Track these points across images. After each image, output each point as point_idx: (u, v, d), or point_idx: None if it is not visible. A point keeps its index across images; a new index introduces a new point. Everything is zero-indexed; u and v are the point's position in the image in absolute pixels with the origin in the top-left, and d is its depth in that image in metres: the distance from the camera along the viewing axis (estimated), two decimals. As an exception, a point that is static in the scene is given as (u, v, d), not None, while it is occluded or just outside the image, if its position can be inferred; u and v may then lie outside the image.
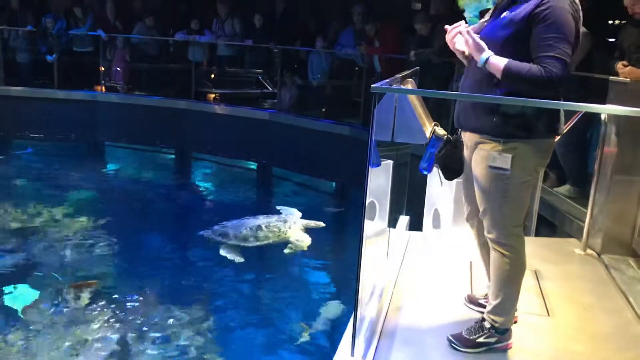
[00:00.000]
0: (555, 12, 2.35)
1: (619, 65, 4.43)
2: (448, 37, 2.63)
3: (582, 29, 4.84)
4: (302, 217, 6.95)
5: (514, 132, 2.47)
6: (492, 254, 2.69)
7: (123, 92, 10.84)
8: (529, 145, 2.49)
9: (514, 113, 2.45)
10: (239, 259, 5.98)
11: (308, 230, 6.63)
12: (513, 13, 2.45)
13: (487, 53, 2.43)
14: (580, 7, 2.43)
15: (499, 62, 2.39)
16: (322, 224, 6.73)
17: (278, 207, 7.33)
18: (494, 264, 2.69)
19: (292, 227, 6.58)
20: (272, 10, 10.56)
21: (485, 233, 2.68)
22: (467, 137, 2.70)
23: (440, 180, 2.99)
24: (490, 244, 2.69)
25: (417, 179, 4.18)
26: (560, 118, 2.56)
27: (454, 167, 2.82)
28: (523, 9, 2.42)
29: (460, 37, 2.54)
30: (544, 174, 4.66)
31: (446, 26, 2.63)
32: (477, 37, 2.48)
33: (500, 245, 2.63)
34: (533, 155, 2.51)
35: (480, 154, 2.58)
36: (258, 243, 6.33)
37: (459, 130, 2.78)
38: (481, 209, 2.66)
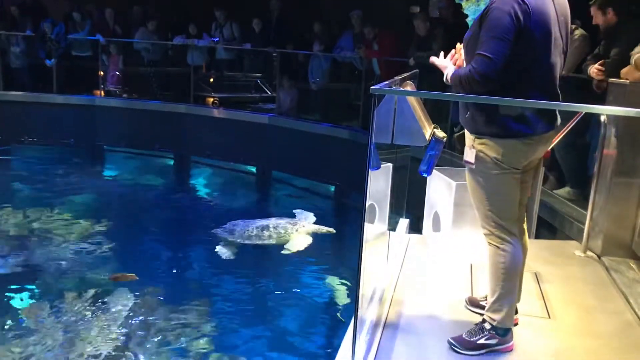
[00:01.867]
0: (493, 13, 2.46)
1: (594, 69, 4.54)
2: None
3: (581, 32, 4.84)
4: (315, 222, 6.96)
5: (481, 129, 2.62)
6: (488, 248, 2.74)
7: (119, 97, 10.83)
8: (496, 143, 2.59)
9: (483, 112, 2.59)
10: (229, 256, 6.05)
11: (317, 234, 6.63)
12: (477, 16, 2.60)
13: (447, 72, 2.68)
14: (530, 6, 2.45)
15: (449, 75, 2.65)
16: (332, 230, 6.73)
17: (295, 211, 7.32)
18: (490, 259, 2.74)
19: (300, 230, 6.59)
20: (270, 14, 10.57)
21: (481, 227, 2.76)
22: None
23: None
24: (485, 239, 2.75)
25: (417, 181, 4.18)
26: (530, 122, 2.59)
27: None
28: (480, 13, 2.57)
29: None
30: (543, 176, 4.66)
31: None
32: (440, 61, 2.76)
33: (493, 238, 2.69)
34: (501, 151, 2.58)
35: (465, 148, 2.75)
36: (259, 242, 6.36)
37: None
38: (473, 204, 2.77)
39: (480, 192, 2.67)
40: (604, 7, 4.67)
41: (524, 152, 2.63)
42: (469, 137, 2.69)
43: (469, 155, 2.65)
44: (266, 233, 6.48)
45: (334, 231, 6.70)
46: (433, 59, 2.79)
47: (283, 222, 6.76)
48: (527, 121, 2.59)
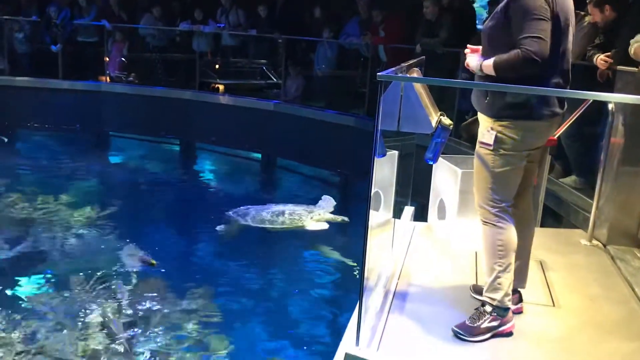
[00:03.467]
0: None
1: (601, 59, 4.55)
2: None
3: (589, 19, 4.81)
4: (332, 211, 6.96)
5: (502, 112, 2.68)
6: (484, 228, 2.79)
7: (125, 83, 10.82)
8: (517, 125, 2.66)
9: (502, 96, 2.66)
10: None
11: (332, 223, 6.64)
12: (500, 5, 2.68)
13: (478, 62, 2.72)
14: None
15: (488, 63, 2.65)
16: (346, 219, 6.72)
17: (323, 197, 7.28)
18: (486, 239, 2.78)
19: (314, 217, 6.60)
20: (276, 0, 10.52)
21: (476, 209, 2.83)
22: (479, 117, 2.88)
23: None
24: (481, 219, 2.81)
25: (422, 169, 4.17)
26: (550, 102, 2.68)
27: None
28: (503, 1, 2.65)
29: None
30: (550, 165, 4.64)
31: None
32: (472, 57, 2.80)
33: (491, 216, 2.75)
34: (520, 134, 2.67)
35: (480, 131, 2.79)
36: (271, 227, 6.40)
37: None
38: (474, 184, 2.83)
39: (487, 172, 2.73)
40: (601, 5, 4.67)
41: (541, 134, 2.74)
42: (487, 120, 2.74)
43: (487, 137, 2.70)
44: (280, 218, 6.51)
45: (348, 220, 6.70)
46: (468, 59, 2.83)
47: (299, 209, 6.77)
48: (547, 103, 2.67)
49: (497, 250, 2.74)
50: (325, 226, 6.52)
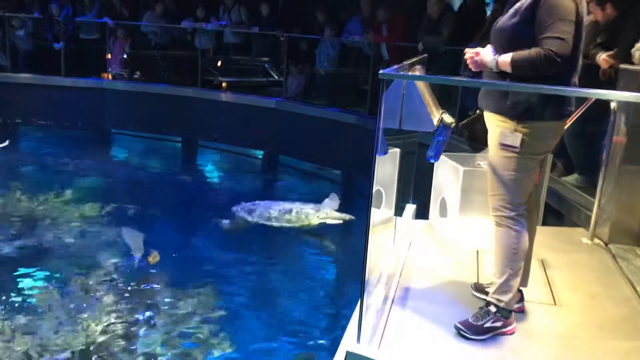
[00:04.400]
0: None
1: (603, 58, 4.55)
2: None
3: (591, 18, 4.82)
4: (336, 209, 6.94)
5: (525, 113, 2.62)
6: (498, 230, 2.76)
7: (127, 80, 10.82)
8: (540, 126, 2.64)
9: (526, 96, 2.61)
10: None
11: (338, 220, 6.64)
12: (520, 3, 2.65)
13: (494, 58, 2.66)
14: None
15: (505, 59, 2.61)
16: (353, 217, 6.72)
17: (330, 195, 7.23)
18: (501, 241, 2.76)
19: (321, 215, 6.61)
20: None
21: (491, 211, 2.78)
22: (487, 118, 2.81)
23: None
24: (496, 221, 2.77)
25: (424, 167, 4.17)
26: (570, 101, 2.68)
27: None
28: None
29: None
30: (551, 163, 4.64)
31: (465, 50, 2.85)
32: (478, 55, 2.72)
33: (508, 220, 2.72)
34: (542, 135, 2.66)
35: (495, 132, 2.72)
36: (277, 224, 6.40)
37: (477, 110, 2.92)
38: (490, 186, 2.78)
39: (507, 175, 2.68)
40: (602, 3, 4.66)
41: (559, 133, 2.75)
42: (505, 121, 2.66)
43: (512, 139, 2.63)
44: (287, 216, 6.51)
45: (354, 218, 6.70)
46: (482, 55, 2.73)
47: (307, 207, 6.76)
48: (569, 103, 2.68)
49: (511, 254, 2.73)
50: (331, 224, 6.52)
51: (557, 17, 2.50)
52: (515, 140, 2.62)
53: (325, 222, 6.55)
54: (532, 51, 2.52)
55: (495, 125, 2.72)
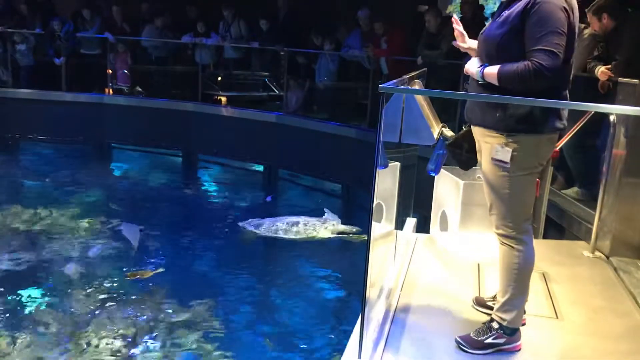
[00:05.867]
0: (543, 7, 2.43)
1: (602, 71, 4.57)
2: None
3: (590, 31, 4.83)
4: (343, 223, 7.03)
5: (515, 126, 2.54)
6: (501, 248, 2.71)
7: (128, 95, 10.86)
8: (530, 139, 2.55)
9: (516, 108, 2.52)
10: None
11: (343, 234, 6.70)
12: (509, 11, 2.55)
13: (479, 69, 2.60)
14: (574, 2, 2.52)
15: (492, 71, 2.54)
16: (360, 229, 6.74)
17: (325, 210, 7.34)
18: (503, 260, 2.71)
19: (329, 228, 6.65)
20: (278, 12, 10.56)
21: (494, 229, 2.71)
22: (476, 132, 2.76)
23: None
24: (499, 239, 2.71)
25: (424, 180, 4.17)
26: (561, 114, 2.61)
27: (464, 157, 2.91)
28: (517, 7, 2.51)
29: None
30: (552, 176, 4.64)
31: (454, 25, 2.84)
32: (471, 63, 2.69)
33: (509, 239, 2.66)
34: (534, 149, 2.57)
35: (486, 147, 2.65)
36: (284, 237, 6.44)
37: (468, 123, 2.84)
38: (488, 204, 2.71)
39: (502, 192, 2.60)
40: (598, 13, 4.68)
41: (552, 146, 2.65)
42: (494, 135, 2.58)
43: (502, 154, 2.54)
44: (294, 229, 6.58)
45: (361, 230, 6.71)
46: (467, 65, 2.71)
47: (313, 220, 6.85)
48: (559, 115, 2.59)
49: (513, 274, 2.66)
50: (338, 237, 6.55)
51: (548, 29, 2.40)
52: (506, 155, 2.53)
53: (332, 235, 6.56)
54: (521, 64, 2.42)
55: (485, 141, 2.65)
